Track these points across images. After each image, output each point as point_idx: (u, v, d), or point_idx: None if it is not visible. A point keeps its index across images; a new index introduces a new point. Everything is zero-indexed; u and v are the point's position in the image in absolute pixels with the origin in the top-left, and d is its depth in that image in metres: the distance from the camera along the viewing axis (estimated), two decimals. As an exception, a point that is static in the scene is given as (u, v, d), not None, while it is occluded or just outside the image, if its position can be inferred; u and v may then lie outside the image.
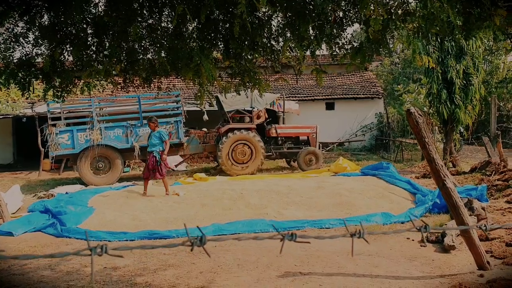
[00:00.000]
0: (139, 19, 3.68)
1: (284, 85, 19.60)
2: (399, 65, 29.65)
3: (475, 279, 5.02)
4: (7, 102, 17.84)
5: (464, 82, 13.53)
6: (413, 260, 5.91)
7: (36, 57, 4.01)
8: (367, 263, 5.77)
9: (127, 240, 7.53)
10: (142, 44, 3.93)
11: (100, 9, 3.77)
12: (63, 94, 4.30)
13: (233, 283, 5.29)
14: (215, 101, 15.20)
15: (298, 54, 3.78)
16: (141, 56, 4.03)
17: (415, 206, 8.70)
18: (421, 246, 6.49)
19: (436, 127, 14.65)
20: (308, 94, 21.54)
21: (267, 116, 15.57)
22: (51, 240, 7.83)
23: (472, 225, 5.46)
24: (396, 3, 3.24)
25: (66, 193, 11.45)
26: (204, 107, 16.71)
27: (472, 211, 7.27)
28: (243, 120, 15.07)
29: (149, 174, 10.46)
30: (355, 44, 3.70)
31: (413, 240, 6.84)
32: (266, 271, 5.62)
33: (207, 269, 5.82)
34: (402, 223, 7.86)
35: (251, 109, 14.82)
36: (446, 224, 7.06)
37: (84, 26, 3.75)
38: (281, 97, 16.10)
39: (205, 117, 16.45)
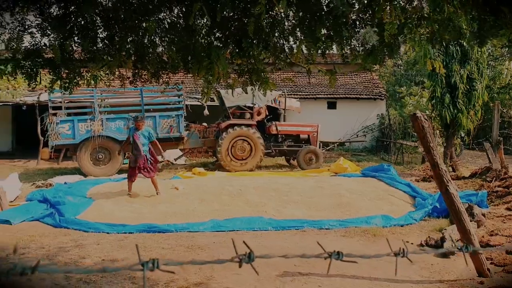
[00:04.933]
0: (151, 14, 3.65)
1: (288, 83, 19.57)
2: (401, 67, 29.60)
3: (475, 286, 5.01)
4: (8, 89, 17.75)
5: (468, 87, 13.51)
6: (412, 264, 5.89)
7: (44, 48, 3.98)
8: (367, 266, 5.75)
9: (125, 233, 7.51)
10: (153, 39, 3.90)
11: (109, 1, 3.74)
12: (70, 86, 4.26)
13: (232, 280, 5.28)
14: (216, 96, 15.18)
15: (309, 54, 3.76)
16: (151, 50, 4.00)
17: (415, 209, 8.69)
18: (421, 250, 6.48)
19: (437, 131, 14.63)
20: (310, 92, 21.47)
21: (267, 113, 15.53)
22: (49, 230, 7.81)
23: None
24: (412, 7, 3.21)
25: (65, 183, 11.41)
26: (205, 102, 16.68)
27: (473, 217, 7.26)
28: (243, 116, 15.03)
29: (135, 174, 9.81)
30: (367, 46, 3.68)
31: (412, 243, 6.83)
32: (265, 270, 5.59)
33: (206, 266, 5.79)
34: (402, 226, 7.86)
35: (252, 105, 14.78)
36: (445, 229, 7.05)
37: (94, 18, 3.72)
38: (282, 95, 16.05)
39: (206, 112, 16.41)
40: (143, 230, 7.60)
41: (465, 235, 5.36)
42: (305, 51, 3.82)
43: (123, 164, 13.50)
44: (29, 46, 3.95)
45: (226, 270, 5.60)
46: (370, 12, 3.32)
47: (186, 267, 5.75)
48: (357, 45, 3.74)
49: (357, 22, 3.54)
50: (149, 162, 9.76)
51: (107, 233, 7.53)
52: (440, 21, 3.14)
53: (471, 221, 6.91)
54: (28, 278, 5.19)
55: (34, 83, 4.18)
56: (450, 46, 12.79)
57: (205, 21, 3.66)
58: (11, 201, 9.45)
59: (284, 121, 16.00)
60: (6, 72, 4.06)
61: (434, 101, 14.05)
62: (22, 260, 6.07)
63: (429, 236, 6.94)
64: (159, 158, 10.64)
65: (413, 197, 9.47)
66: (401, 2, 3.21)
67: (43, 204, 9.09)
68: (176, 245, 6.81)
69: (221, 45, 3.64)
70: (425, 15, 3.35)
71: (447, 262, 5.94)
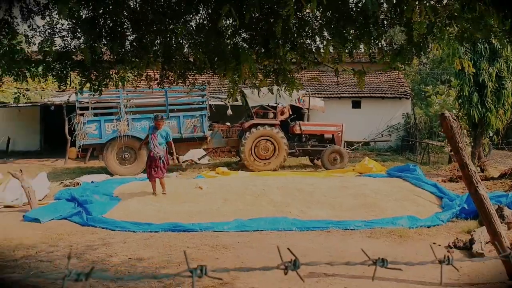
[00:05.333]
0: (179, 17, 3.68)
1: (314, 82, 19.45)
2: (427, 65, 29.11)
3: (505, 290, 4.90)
4: (36, 90, 18.16)
5: (497, 85, 13.20)
6: (439, 266, 5.78)
7: (74, 50, 4.05)
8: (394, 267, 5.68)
9: (151, 232, 7.59)
10: (180, 41, 3.93)
11: (137, 4, 3.78)
12: (100, 88, 4.33)
13: (257, 280, 5.28)
14: (239, 96, 15.20)
15: (337, 54, 3.73)
16: (178, 52, 4.03)
17: (442, 210, 8.53)
18: (448, 251, 6.37)
19: (465, 131, 14.34)
20: (334, 92, 21.31)
21: (291, 113, 15.46)
22: (76, 228, 7.96)
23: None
24: (442, 6, 3.15)
25: (92, 182, 11.61)
26: (228, 102, 16.73)
27: (503, 218, 7.09)
28: (267, 116, 15.01)
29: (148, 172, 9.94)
30: (395, 46, 3.63)
31: (439, 245, 6.71)
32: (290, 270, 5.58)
33: (231, 265, 5.82)
34: (429, 227, 7.73)
35: (275, 105, 14.75)
36: (474, 231, 6.90)
37: (123, 21, 3.77)
38: (306, 94, 15.97)
39: (229, 111, 16.46)
40: (168, 229, 7.67)
41: (495, 237, 5.24)
42: (332, 51, 3.79)
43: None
44: (59, 49, 4.03)
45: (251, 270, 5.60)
46: (399, 12, 3.28)
47: (213, 268, 5.78)
48: (385, 44, 3.69)
49: (385, 22, 3.50)
50: (161, 162, 9.82)
51: (133, 231, 7.63)
52: (471, 20, 3.08)
53: (501, 223, 6.75)
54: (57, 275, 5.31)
55: (64, 85, 4.27)
56: (478, 44, 12.51)
57: (231, 22, 3.67)
58: (40, 200, 9.67)
59: (308, 120, 15.91)
60: (38, 74, 4.16)
61: (461, 100, 13.78)
62: (51, 258, 6.20)
63: (457, 238, 6.81)
64: (170, 160, 10.67)
65: (440, 197, 9.30)
66: (431, 1, 3.15)
67: (71, 202, 9.27)
68: (201, 244, 6.86)
69: (247, 46, 3.64)
70: (455, 14, 3.28)
71: (476, 265, 5.81)
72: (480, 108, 13.26)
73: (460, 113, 14.12)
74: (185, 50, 4.16)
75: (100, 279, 1.19)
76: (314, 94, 19.14)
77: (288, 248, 1.38)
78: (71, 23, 3.84)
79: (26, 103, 17.75)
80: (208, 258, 6.12)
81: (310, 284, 5.12)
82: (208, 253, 6.43)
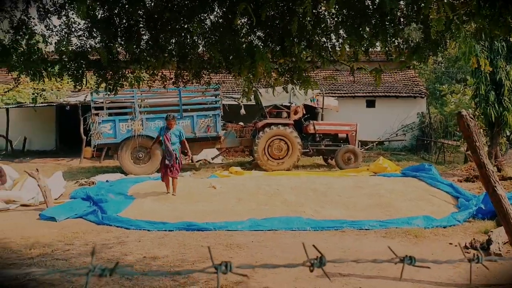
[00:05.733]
0: (195, 15, 3.68)
1: (327, 80, 19.35)
2: (442, 64, 28.80)
3: (524, 291, 4.82)
4: (52, 90, 18.37)
5: (514, 84, 12.99)
6: (456, 266, 5.71)
7: (89, 50, 4.08)
8: (409, 268, 5.61)
9: (165, 230, 7.63)
10: (195, 39, 3.94)
11: (152, 3, 3.79)
12: (115, 87, 4.36)
13: (271, 279, 5.27)
14: (253, 96, 15.17)
15: (353, 52, 3.70)
16: (193, 51, 4.04)
17: (458, 210, 8.43)
18: (465, 252, 6.28)
19: (481, 130, 14.14)
20: (348, 91, 21.17)
21: (305, 112, 15.40)
22: (92, 227, 8.03)
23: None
24: (461, 3, 3.10)
25: (107, 181, 11.70)
26: (241, 101, 16.74)
27: (521, 219, 6.97)
28: (280, 115, 14.98)
29: (167, 173, 9.81)
30: (412, 44, 3.59)
31: (456, 245, 6.63)
32: (304, 269, 5.53)
33: (245, 265, 5.81)
34: (444, 227, 7.64)
35: (289, 104, 14.71)
36: (491, 231, 6.81)
37: (139, 20, 3.78)
38: (320, 93, 15.90)
39: (242, 111, 16.47)
40: (182, 228, 7.70)
41: (514, 238, 5.15)
42: (348, 49, 3.76)
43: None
44: (75, 48, 4.06)
45: (266, 269, 5.60)
46: (416, 9, 3.24)
47: (244, 272, 5.79)
48: (402, 42, 3.65)
49: (402, 19, 3.46)
50: (176, 162, 9.78)
51: (148, 230, 7.67)
52: (490, 17, 3.02)
53: (519, 223, 6.64)
54: (72, 273, 5.37)
55: (80, 85, 4.30)
56: (495, 42, 12.32)
57: (246, 20, 3.66)
58: (55, 199, 9.78)
59: (322, 120, 15.85)
60: (54, 73, 4.20)
61: (477, 99, 13.60)
62: (67, 256, 6.26)
63: (474, 238, 6.72)
64: (184, 160, 10.64)
65: (456, 197, 9.19)
66: (449, -3, 3.11)
67: (86, 201, 9.36)
68: (215, 244, 6.87)
69: (263, 44, 3.63)
70: (473, 10, 3.23)
71: (494, 266, 5.72)
72: (497, 107, 13.07)
73: (476, 112, 13.94)
74: (200, 49, 4.17)
75: (125, 274, 1.18)
76: (328, 93, 19.05)
77: (314, 245, 1.36)
78: (87, 22, 3.87)
79: (42, 103, 17.97)
80: (222, 257, 6.13)
81: (324, 284, 5.10)
82: (222, 252, 6.44)
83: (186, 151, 10.32)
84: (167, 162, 9.72)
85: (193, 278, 5.30)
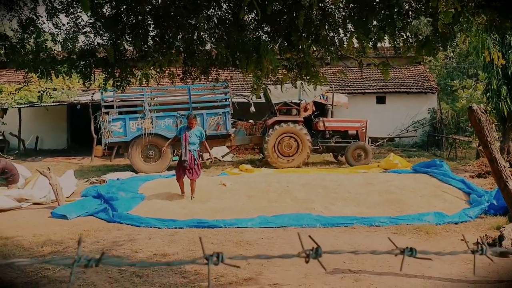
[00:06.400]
0: (201, 10, 3.67)
1: (337, 77, 19.24)
2: (453, 60, 28.50)
3: (537, 288, 4.76)
4: (63, 90, 18.52)
5: (526, 78, 12.84)
6: (468, 263, 5.66)
7: (97, 47, 4.10)
8: (419, 264, 5.59)
9: (176, 228, 7.65)
10: (202, 35, 3.93)
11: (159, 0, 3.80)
12: (123, 85, 4.38)
13: (281, 276, 5.26)
14: (263, 93, 15.16)
15: (360, 47, 3.67)
16: (200, 47, 4.04)
17: (470, 206, 8.35)
18: (479, 243, 6.21)
19: (493, 125, 13.99)
20: (358, 87, 21.05)
21: (314, 109, 15.35)
22: (103, 224, 8.08)
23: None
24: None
25: (118, 179, 11.77)
26: (251, 99, 16.73)
27: (534, 215, 6.89)
28: (290, 113, 14.94)
29: (182, 175, 9.36)
30: (421, 37, 3.54)
31: (468, 242, 6.55)
32: (314, 266, 5.53)
33: (255, 261, 5.81)
34: (456, 223, 7.57)
35: (298, 101, 14.66)
36: (504, 227, 6.73)
37: (145, 16, 3.79)
38: (330, 90, 15.83)
39: (252, 108, 16.45)
40: (192, 225, 7.72)
41: (526, 233, 5.09)
42: (356, 44, 3.73)
43: (173, 161, 13.77)
44: (83, 46, 4.08)
45: (275, 266, 5.59)
46: (424, 1, 3.20)
47: (236, 263, 5.79)
48: (410, 36, 3.61)
49: (410, 12, 3.42)
50: (195, 163, 9.31)
51: (158, 228, 7.70)
52: (501, 8, 2.97)
53: (532, 219, 6.57)
54: (83, 271, 5.40)
55: (88, 82, 4.33)
56: (507, 36, 12.18)
57: (253, 15, 3.65)
58: (67, 197, 9.85)
59: (331, 117, 15.78)
60: (62, 71, 4.23)
61: (489, 93, 13.45)
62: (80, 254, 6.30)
63: (486, 234, 6.65)
64: (207, 161, 10.43)
65: (468, 193, 9.10)
66: (457, -11, 3.06)
67: (97, 199, 9.42)
68: (225, 241, 6.88)
69: (269, 39, 3.61)
70: (483, 2, 3.18)
71: (506, 262, 5.67)
72: (509, 102, 12.93)
73: (488, 107, 13.79)
74: (207, 46, 4.16)
75: (110, 265, 1.18)
76: (338, 90, 18.97)
77: (310, 236, 1.35)
78: (94, 20, 3.89)
79: (53, 102, 18.14)
80: (232, 254, 6.12)
81: (335, 280, 5.08)
82: (232, 249, 6.45)
83: (208, 151, 9.99)
84: (184, 164, 9.20)
85: (203, 275, 5.31)
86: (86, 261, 1.09)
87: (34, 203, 9.58)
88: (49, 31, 4.14)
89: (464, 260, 5.73)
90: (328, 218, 7.95)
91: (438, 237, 6.90)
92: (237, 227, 7.63)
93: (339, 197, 9.21)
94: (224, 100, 14.69)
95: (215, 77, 4.84)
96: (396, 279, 5.11)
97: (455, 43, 3.62)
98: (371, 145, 15.24)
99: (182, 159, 9.30)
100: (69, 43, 3.78)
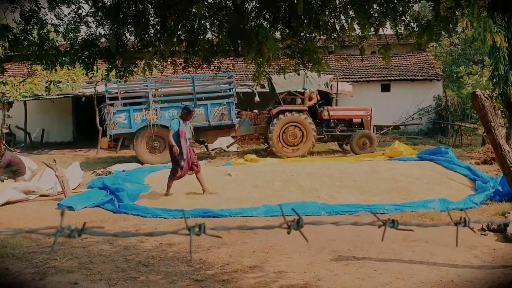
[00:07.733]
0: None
1: (341, 65, 19.13)
2: (459, 46, 28.26)
3: (542, 272, 4.76)
4: (68, 82, 18.58)
5: (534, 63, 12.71)
6: (472, 248, 5.67)
7: (100, 38, 4.11)
8: (424, 250, 5.60)
9: (181, 218, 7.69)
10: (203, 23, 3.92)
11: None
12: (125, 75, 4.39)
13: (286, 264, 5.29)
14: (267, 83, 15.13)
15: (362, 32, 3.65)
16: (202, 35, 4.03)
17: (475, 193, 8.34)
18: (482, 234, 6.22)
19: (499, 111, 13.90)
20: (363, 75, 20.95)
21: (319, 98, 15.31)
22: (109, 215, 8.14)
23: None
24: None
25: (123, 170, 11.84)
26: (255, 89, 16.70)
27: (539, 200, 6.88)
28: (294, 102, 14.92)
29: (184, 172, 8.99)
30: (422, 22, 3.51)
31: (472, 228, 6.54)
32: (318, 254, 5.57)
33: (260, 249, 5.85)
34: (461, 210, 7.55)
35: (303, 90, 14.62)
36: (509, 213, 6.73)
37: (146, 5, 3.79)
38: (334, 78, 15.77)
39: (257, 98, 16.43)
40: (198, 215, 7.75)
41: (531, 218, 5.08)
42: (357, 29, 3.71)
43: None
44: (85, 37, 4.09)
45: (280, 254, 5.63)
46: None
47: (242, 252, 5.84)
48: (411, 20, 3.58)
49: (411, -4, 3.40)
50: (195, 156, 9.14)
51: (164, 218, 7.75)
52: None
53: (537, 204, 6.55)
54: (90, 261, 5.45)
55: (91, 72, 4.34)
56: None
57: (254, 3, 3.64)
58: (73, 189, 9.93)
59: (336, 105, 15.74)
60: (66, 62, 4.25)
61: (496, 79, 13.34)
62: (85, 244, 6.37)
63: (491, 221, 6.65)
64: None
65: (473, 180, 9.08)
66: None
67: (103, 191, 9.47)
68: (230, 230, 6.91)
69: (270, 25, 3.60)
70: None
71: (511, 247, 5.67)
72: (516, 88, 12.82)
73: (494, 93, 13.69)
74: (208, 34, 4.16)
75: (93, 235, 1.21)
76: (342, 78, 18.89)
77: (293, 208, 1.38)
78: (95, 10, 3.89)
79: (58, 95, 18.21)
80: (237, 242, 6.17)
81: (339, 267, 5.10)
82: (237, 237, 6.48)
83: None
84: (182, 163, 8.85)
85: (208, 264, 5.36)
86: (70, 232, 1.11)
87: (41, 195, 9.65)
88: (51, 22, 4.15)
89: (469, 247, 5.73)
90: (333, 206, 7.97)
91: (443, 223, 6.90)
92: (242, 216, 7.66)
93: (344, 185, 9.21)
94: (228, 90, 14.68)
95: (217, 65, 4.83)
96: (401, 266, 5.12)
97: (458, 28, 3.60)
98: (376, 133, 15.22)
99: (180, 160, 8.85)
100: (71, 34, 3.80)
